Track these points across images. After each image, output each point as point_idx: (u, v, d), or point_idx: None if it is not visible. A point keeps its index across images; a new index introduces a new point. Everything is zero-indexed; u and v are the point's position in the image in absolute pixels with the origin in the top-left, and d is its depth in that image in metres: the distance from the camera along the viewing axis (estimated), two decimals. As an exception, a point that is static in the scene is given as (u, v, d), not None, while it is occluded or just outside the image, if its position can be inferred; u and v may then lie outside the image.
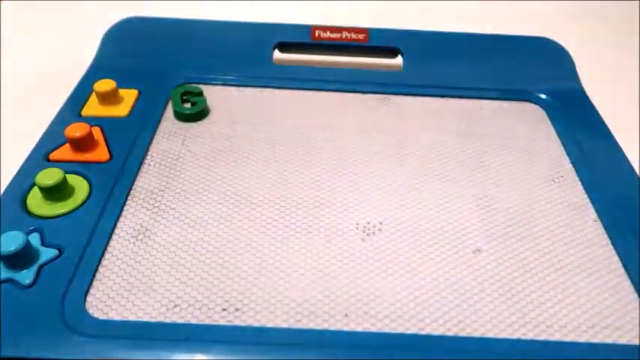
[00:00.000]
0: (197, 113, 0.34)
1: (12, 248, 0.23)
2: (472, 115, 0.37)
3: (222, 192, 0.29)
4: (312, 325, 0.23)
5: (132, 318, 0.22)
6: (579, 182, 0.32)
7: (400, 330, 0.23)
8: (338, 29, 0.40)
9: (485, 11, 0.53)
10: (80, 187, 0.28)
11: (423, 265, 0.26)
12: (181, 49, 0.40)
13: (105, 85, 0.34)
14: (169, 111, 0.35)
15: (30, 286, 0.23)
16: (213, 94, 0.36)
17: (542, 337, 0.23)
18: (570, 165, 0.33)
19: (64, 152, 0.30)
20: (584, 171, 0.32)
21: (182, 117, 0.34)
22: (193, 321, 0.22)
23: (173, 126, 0.34)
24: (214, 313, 0.23)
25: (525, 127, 0.36)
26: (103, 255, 0.25)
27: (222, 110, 0.35)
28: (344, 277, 0.25)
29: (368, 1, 0.53)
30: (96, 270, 0.24)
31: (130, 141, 0.32)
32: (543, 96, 0.39)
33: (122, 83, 0.35)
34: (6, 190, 0.28)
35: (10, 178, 0.29)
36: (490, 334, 0.23)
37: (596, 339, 0.23)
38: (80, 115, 0.34)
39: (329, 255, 0.26)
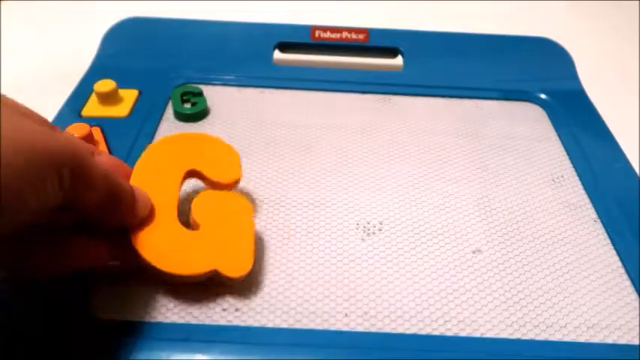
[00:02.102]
0: (197, 113, 0.34)
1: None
2: (472, 115, 0.37)
3: (222, 192, 0.29)
4: (312, 325, 0.23)
5: (132, 318, 0.22)
6: (579, 182, 0.32)
7: (400, 330, 0.23)
8: (338, 29, 0.40)
9: (486, 11, 0.53)
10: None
11: (423, 265, 0.26)
12: (181, 49, 0.40)
13: (105, 85, 0.34)
14: (169, 111, 0.35)
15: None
16: (213, 94, 0.36)
17: (542, 337, 0.23)
18: (570, 165, 0.33)
19: (64, 152, 0.30)
20: (584, 171, 0.32)
21: (182, 117, 0.34)
22: (193, 321, 0.23)
23: (173, 126, 0.34)
24: (214, 313, 0.23)
25: (525, 127, 0.36)
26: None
27: (222, 110, 0.35)
28: (344, 277, 0.25)
29: (368, 1, 0.53)
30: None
31: (130, 141, 0.32)
32: (543, 96, 0.39)
33: (122, 83, 0.35)
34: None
35: (10, 178, 0.29)
36: (490, 334, 0.23)
37: (596, 339, 0.23)
38: (80, 115, 0.34)
39: (329, 255, 0.26)
